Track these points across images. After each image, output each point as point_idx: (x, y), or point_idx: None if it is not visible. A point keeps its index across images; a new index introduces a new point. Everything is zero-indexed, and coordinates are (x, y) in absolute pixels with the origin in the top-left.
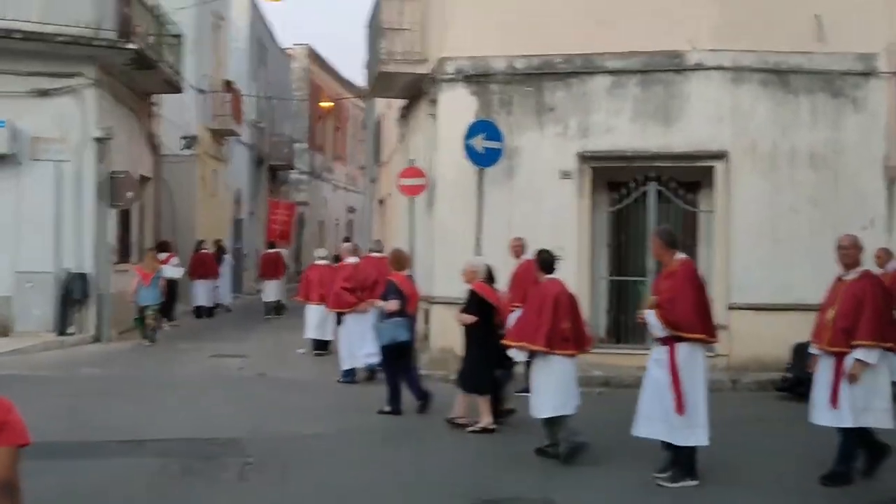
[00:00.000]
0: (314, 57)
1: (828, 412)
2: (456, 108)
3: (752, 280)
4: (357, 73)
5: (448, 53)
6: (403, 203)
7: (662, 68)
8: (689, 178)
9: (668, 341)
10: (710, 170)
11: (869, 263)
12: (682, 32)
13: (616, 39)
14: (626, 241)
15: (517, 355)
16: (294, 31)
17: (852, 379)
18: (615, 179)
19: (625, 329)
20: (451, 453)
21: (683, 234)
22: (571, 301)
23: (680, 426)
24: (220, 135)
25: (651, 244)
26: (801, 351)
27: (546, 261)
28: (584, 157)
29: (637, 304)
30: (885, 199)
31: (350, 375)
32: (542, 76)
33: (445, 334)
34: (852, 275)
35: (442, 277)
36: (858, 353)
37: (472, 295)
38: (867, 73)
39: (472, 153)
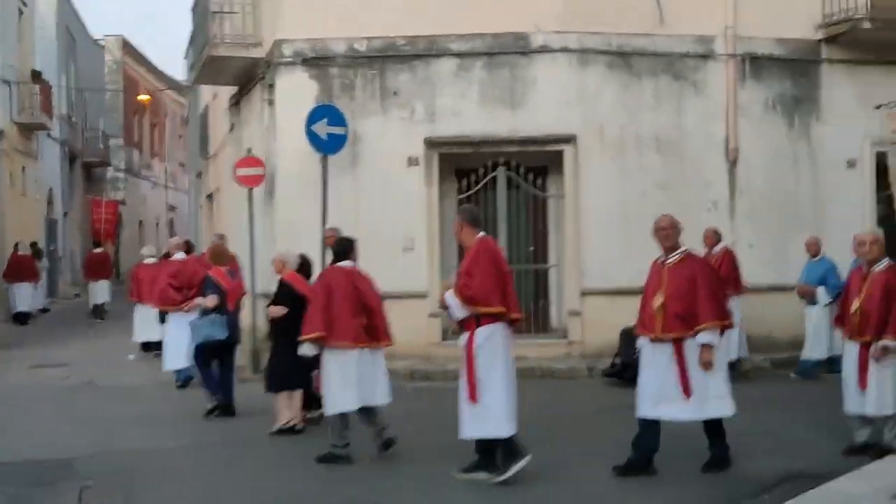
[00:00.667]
0: (128, 48)
1: (676, 404)
2: (295, 93)
3: (604, 266)
4: (175, 67)
5: (284, 35)
6: (240, 196)
7: (508, 50)
8: (538, 162)
9: (469, 325)
10: (559, 154)
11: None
12: (527, 14)
13: (461, 21)
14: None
15: (307, 349)
16: (107, 22)
17: (707, 366)
18: (463, 166)
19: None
20: (294, 460)
21: (534, 221)
22: (365, 290)
23: (471, 416)
24: (28, 129)
25: (453, 225)
26: (628, 335)
27: (341, 246)
28: (432, 143)
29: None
30: (727, 182)
31: (184, 376)
32: (385, 59)
33: None
34: (675, 257)
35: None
36: (703, 337)
37: (282, 286)
38: (706, 56)
39: (314, 140)
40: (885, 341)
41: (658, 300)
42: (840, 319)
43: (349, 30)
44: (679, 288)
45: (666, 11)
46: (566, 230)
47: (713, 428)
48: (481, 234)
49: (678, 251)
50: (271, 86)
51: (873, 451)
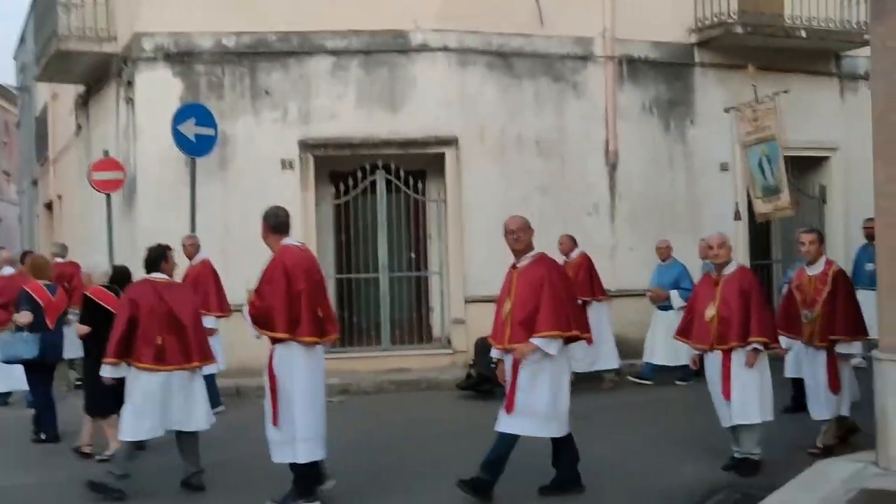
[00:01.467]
0: None
1: (506, 418)
2: (157, 91)
3: (487, 272)
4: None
5: (143, 29)
6: (91, 202)
7: (386, 49)
8: (418, 166)
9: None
10: (440, 157)
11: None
12: (405, 11)
13: (336, 17)
14: (355, 236)
15: (106, 373)
16: None
17: (532, 377)
18: (339, 169)
19: (358, 331)
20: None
21: (415, 226)
22: (176, 305)
23: (277, 440)
24: None
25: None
26: (483, 346)
27: (151, 256)
28: (307, 145)
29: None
30: (607, 185)
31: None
32: (256, 56)
33: None
34: (525, 261)
35: None
36: (536, 341)
37: (86, 302)
38: (585, 58)
39: (181, 141)
40: (755, 343)
41: (507, 307)
42: (684, 331)
43: (217, 24)
44: (523, 294)
45: (545, 12)
46: (449, 236)
47: (556, 448)
48: (287, 241)
49: (529, 255)
50: (130, 83)
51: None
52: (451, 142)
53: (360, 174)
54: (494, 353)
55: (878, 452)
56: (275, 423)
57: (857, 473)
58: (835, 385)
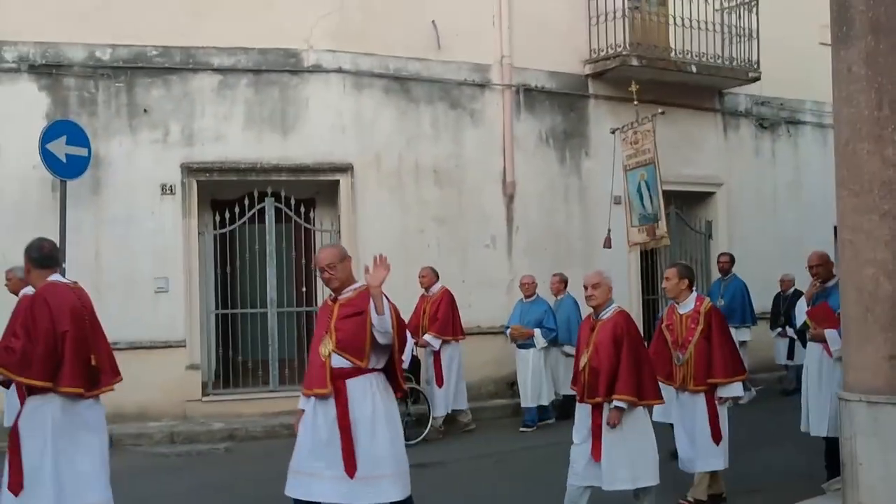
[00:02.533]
0: None
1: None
2: (19, 106)
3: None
4: None
5: (4, 37)
6: None
7: (277, 68)
8: (308, 193)
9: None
10: (333, 184)
11: None
12: (297, 29)
13: (223, 33)
14: (240, 268)
15: None
16: None
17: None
18: (221, 197)
19: (243, 371)
20: None
21: (305, 257)
22: None
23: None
24: None
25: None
26: None
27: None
28: (190, 170)
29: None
30: (504, 217)
31: None
32: (133, 70)
33: None
34: (347, 293)
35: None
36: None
37: None
38: (482, 85)
39: (51, 161)
40: (617, 402)
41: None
42: (575, 379)
43: (89, 34)
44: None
45: (442, 37)
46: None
47: None
48: (54, 277)
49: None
50: None
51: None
52: (345, 168)
53: (247, 201)
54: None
55: (845, 498)
56: (13, 488)
57: None
58: (717, 434)
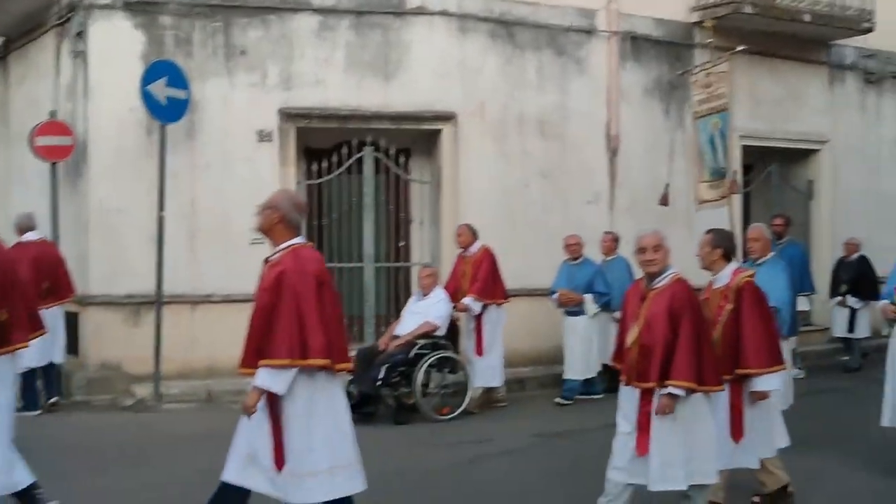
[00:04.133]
0: None
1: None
2: (114, 45)
3: None
4: None
5: None
6: (31, 175)
7: (380, 9)
8: (405, 143)
9: None
10: (430, 134)
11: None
12: None
13: None
14: (340, 220)
15: None
16: None
17: None
18: (315, 145)
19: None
20: None
21: (404, 210)
22: None
23: None
24: None
25: None
26: (366, 358)
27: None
28: (289, 115)
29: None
30: (607, 172)
31: None
32: (230, 10)
33: (106, 346)
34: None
35: (100, 272)
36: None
37: None
38: (589, 31)
39: (151, 103)
40: (671, 388)
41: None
42: (617, 354)
43: None
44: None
45: None
46: (442, 222)
47: None
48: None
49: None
50: (80, 34)
51: None
52: (449, 117)
53: (345, 150)
54: None
55: None
56: None
57: None
58: (737, 431)
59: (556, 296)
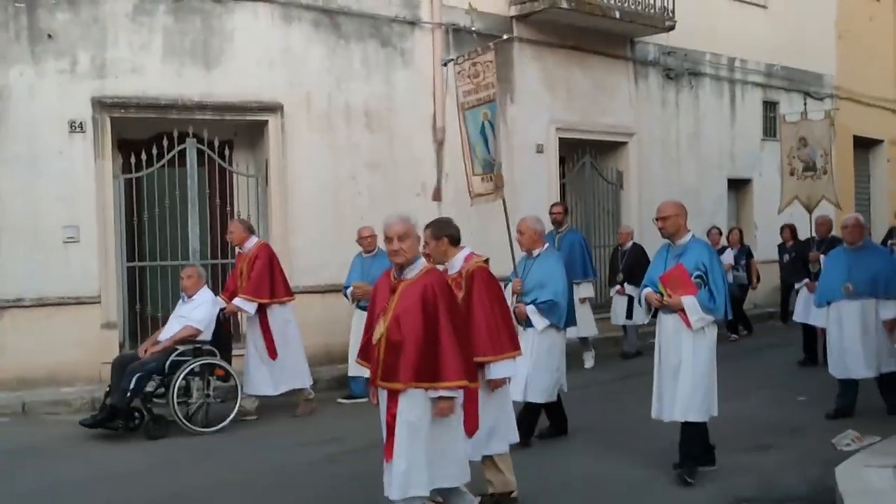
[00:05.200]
0: None
1: None
2: None
3: (316, 258)
4: None
5: None
6: None
7: None
8: (227, 135)
9: None
10: (255, 126)
11: None
12: None
13: None
14: (162, 215)
15: None
16: None
17: None
18: (136, 136)
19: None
20: None
21: (228, 204)
22: None
23: None
24: None
25: None
26: (120, 366)
27: None
28: (103, 105)
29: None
30: (434, 164)
31: None
32: None
33: None
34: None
35: None
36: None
37: None
38: (413, 22)
39: None
40: (444, 391)
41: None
42: (363, 351)
43: None
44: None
45: None
46: (272, 217)
47: None
48: None
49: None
50: None
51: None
52: (275, 108)
53: (166, 142)
54: None
55: None
56: None
57: None
58: (472, 423)
59: (350, 290)
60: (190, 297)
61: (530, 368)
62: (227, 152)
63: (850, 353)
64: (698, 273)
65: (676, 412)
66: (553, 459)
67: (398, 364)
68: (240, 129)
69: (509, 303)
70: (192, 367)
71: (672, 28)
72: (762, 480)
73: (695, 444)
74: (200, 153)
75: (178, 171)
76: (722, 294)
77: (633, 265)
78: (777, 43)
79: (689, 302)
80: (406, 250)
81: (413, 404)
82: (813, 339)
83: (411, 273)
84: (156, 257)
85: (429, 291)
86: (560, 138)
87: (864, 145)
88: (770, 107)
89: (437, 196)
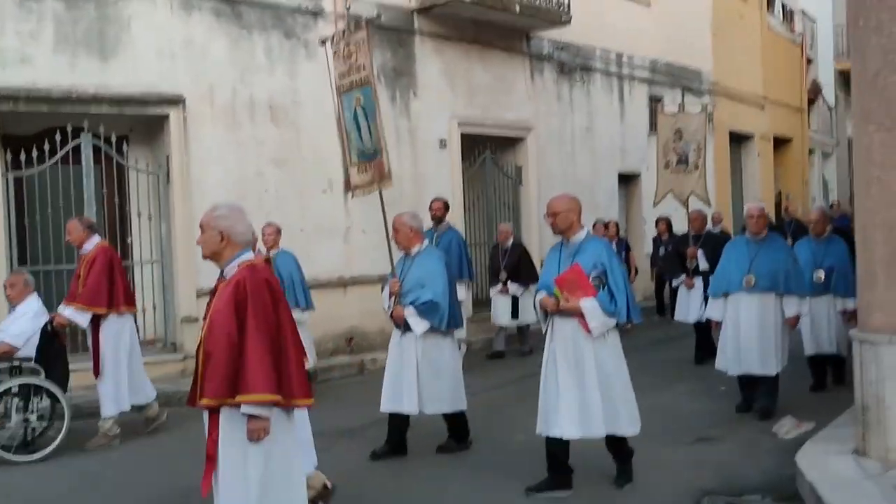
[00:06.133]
0: None
1: None
2: None
3: None
4: None
5: None
6: None
7: None
8: (122, 130)
9: None
10: (155, 120)
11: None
12: None
13: None
14: (54, 216)
15: None
16: None
17: None
18: (23, 131)
19: None
20: None
21: (127, 203)
22: None
23: None
24: None
25: None
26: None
27: None
28: None
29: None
30: (341, 159)
31: None
32: None
33: None
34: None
35: None
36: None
37: None
38: (316, 13)
39: None
40: (245, 407)
41: None
42: None
43: None
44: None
45: None
46: (174, 217)
47: None
48: None
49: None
50: None
51: None
52: (176, 101)
53: (59, 137)
54: None
55: (868, 444)
56: None
57: (865, 469)
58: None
59: None
60: (13, 306)
61: (420, 377)
62: (124, 148)
63: (746, 350)
64: (597, 273)
65: (595, 427)
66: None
67: (212, 377)
68: (137, 124)
69: (386, 305)
70: (11, 387)
71: (568, 23)
72: (720, 472)
73: (626, 451)
74: (96, 149)
75: (73, 168)
76: (623, 295)
77: (516, 263)
78: (660, 40)
79: (588, 305)
80: (208, 245)
81: (234, 426)
82: (706, 334)
83: (230, 273)
84: (49, 261)
85: (239, 291)
86: (462, 133)
87: (738, 140)
88: (655, 102)
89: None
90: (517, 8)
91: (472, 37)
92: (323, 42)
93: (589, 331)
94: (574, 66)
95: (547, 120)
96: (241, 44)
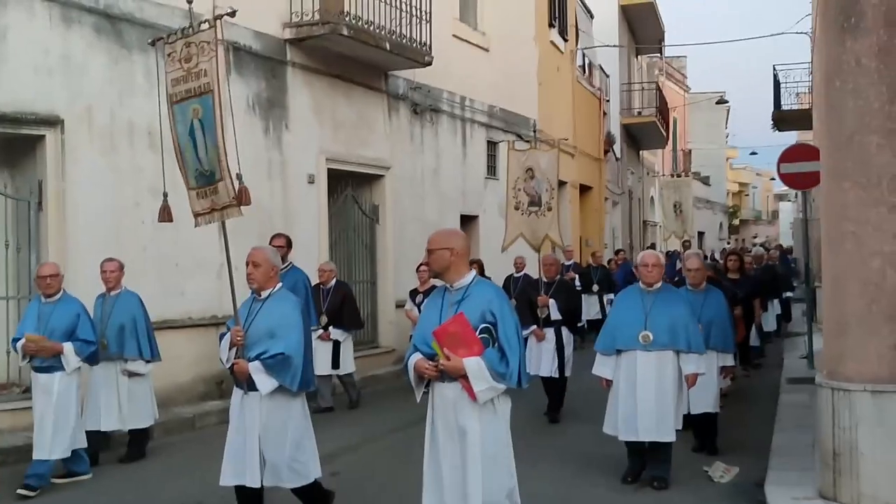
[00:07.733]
0: None
1: None
2: None
3: (96, 292)
4: None
5: None
6: None
7: None
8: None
9: None
10: (26, 142)
11: None
12: None
13: None
14: None
15: None
16: None
17: None
18: None
19: None
20: None
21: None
22: None
23: None
24: None
25: None
26: None
27: None
28: None
29: None
30: None
31: None
32: None
33: None
34: None
35: None
36: None
37: None
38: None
39: None
40: None
41: None
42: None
43: None
44: None
45: None
46: (49, 247)
47: None
48: None
49: None
50: None
51: None
52: (54, 122)
53: None
54: None
55: (838, 489)
56: None
57: None
58: None
59: (20, 343)
60: None
61: (265, 446)
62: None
63: (644, 413)
64: (485, 325)
65: None
66: None
67: None
68: (10, 145)
69: (224, 358)
70: None
71: (430, 63)
72: None
73: None
74: None
75: None
76: (516, 354)
77: (338, 306)
78: (497, 86)
79: (473, 365)
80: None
81: None
82: (554, 389)
83: None
84: None
85: None
86: (329, 169)
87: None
88: (492, 146)
89: (164, 216)
90: (387, 45)
91: (338, 72)
92: (153, 42)
93: (474, 396)
94: (425, 107)
95: (402, 159)
96: (121, 63)
